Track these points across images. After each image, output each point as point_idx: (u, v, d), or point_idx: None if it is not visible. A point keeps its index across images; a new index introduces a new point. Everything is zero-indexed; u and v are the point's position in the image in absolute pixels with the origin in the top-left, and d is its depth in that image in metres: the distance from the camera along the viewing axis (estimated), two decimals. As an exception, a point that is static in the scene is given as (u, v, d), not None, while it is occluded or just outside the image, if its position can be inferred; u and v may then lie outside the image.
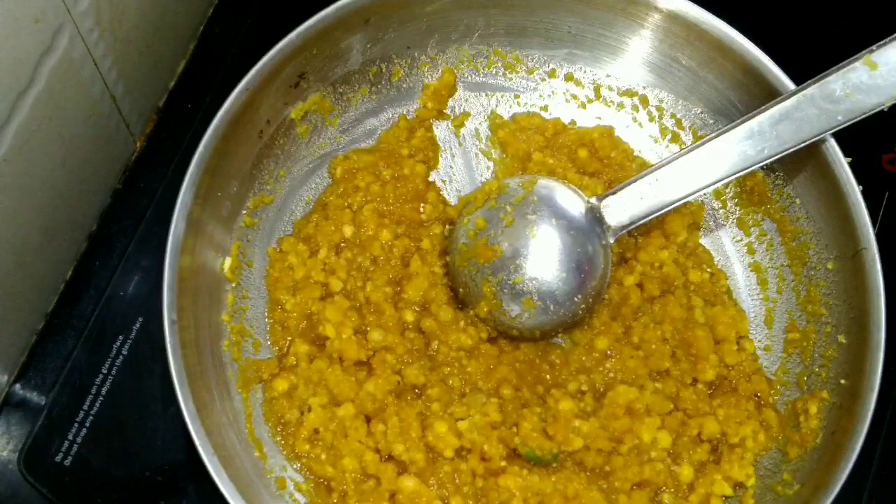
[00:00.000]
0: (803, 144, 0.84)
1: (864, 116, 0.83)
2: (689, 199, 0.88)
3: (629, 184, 0.89)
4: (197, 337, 0.84)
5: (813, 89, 0.84)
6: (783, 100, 0.85)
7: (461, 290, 0.91)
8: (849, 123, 0.83)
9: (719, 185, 0.87)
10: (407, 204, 0.94)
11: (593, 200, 0.90)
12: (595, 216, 0.89)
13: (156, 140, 1.04)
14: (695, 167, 0.87)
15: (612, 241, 0.90)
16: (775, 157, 0.85)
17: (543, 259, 0.87)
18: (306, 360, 0.88)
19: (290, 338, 0.91)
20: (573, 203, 0.90)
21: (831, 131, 0.84)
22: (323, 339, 0.89)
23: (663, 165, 0.88)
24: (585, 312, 0.90)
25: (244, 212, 0.92)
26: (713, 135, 0.87)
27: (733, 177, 0.87)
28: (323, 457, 0.86)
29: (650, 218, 0.89)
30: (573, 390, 0.89)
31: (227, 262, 0.90)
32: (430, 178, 0.98)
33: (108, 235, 1.00)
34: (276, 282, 0.92)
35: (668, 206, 0.88)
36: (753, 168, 0.86)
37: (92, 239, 1.00)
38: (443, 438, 0.85)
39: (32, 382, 0.94)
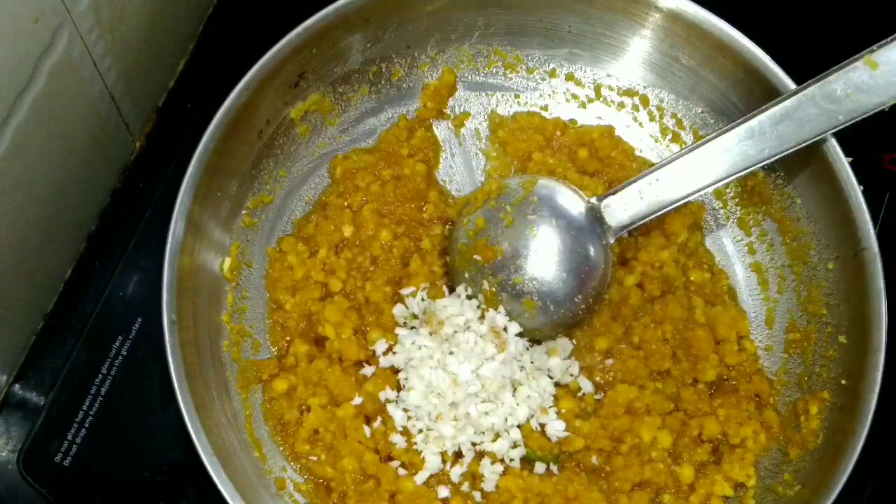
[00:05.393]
0: (804, 144, 0.84)
1: (864, 116, 0.83)
2: (690, 198, 0.88)
3: (629, 184, 0.89)
4: (196, 337, 0.84)
5: (814, 89, 0.83)
6: (784, 99, 0.85)
7: (461, 290, 0.91)
8: (850, 123, 0.83)
9: (720, 184, 0.87)
10: (407, 204, 0.94)
11: (593, 200, 0.90)
12: (595, 216, 0.89)
13: (155, 140, 1.04)
14: (695, 167, 0.87)
15: (612, 241, 0.90)
16: (776, 157, 0.85)
17: (544, 259, 0.87)
18: (306, 360, 0.88)
19: (289, 338, 0.91)
20: (573, 203, 0.90)
21: (832, 131, 0.84)
22: (322, 339, 0.89)
23: (664, 165, 0.88)
24: (586, 312, 0.89)
25: (244, 212, 0.92)
26: (714, 134, 0.87)
27: (734, 176, 0.86)
28: (322, 457, 0.86)
29: (651, 218, 0.89)
30: (574, 389, 0.89)
31: (227, 262, 0.90)
32: (432, 177, 0.98)
33: (108, 235, 1.00)
34: (275, 282, 0.92)
35: (668, 205, 0.88)
36: (754, 168, 0.86)
37: (91, 239, 1.00)
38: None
39: (32, 383, 0.94)
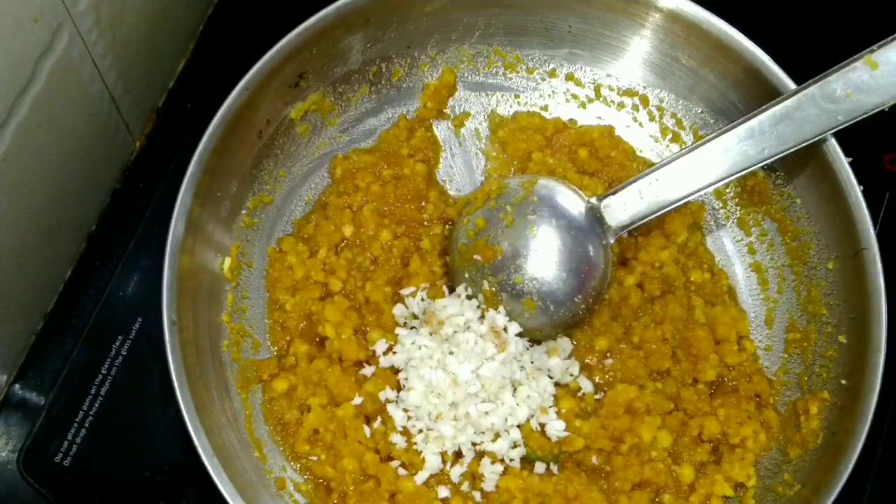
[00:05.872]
0: (804, 144, 0.84)
1: (864, 116, 0.83)
2: (690, 198, 0.88)
3: (629, 184, 0.89)
4: (196, 337, 0.84)
5: (813, 89, 0.83)
6: (784, 99, 0.85)
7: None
8: (849, 123, 0.83)
9: (720, 184, 0.87)
10: (407, 204, 0.94)
11: (593, 200, 0.90)
12: (595, 216, 0.89)
13: (155, 140, 1.04)
14: (695, 167, 0.87)
15: (612, 241, 0.90)
16: (776, 157, 0.85)
17: (543, 259, 0.87)
18: (306, 360, 0.88)
19: (289, 338, 0.91)
20: (573, 203, 0.90)
21: (832, 131, 0.84)
22: (323, 339, 0.89)
23: (664, 165, 0.88)
24: (586, 312, 0.89)
25: (244, 212, 0.92)
26: (714, 134, 0.87)
27: (734, 177, 0.87)
28: (323, 457, 0.86)
29: (651, 218, 0.89)
30: (574, 389, 0.89)
31: (227, 262, 0.90)
32: (432, 177, 0.98)
33: (108, 235, 1.00)
34: (275, 282, 0.92)
35: (668, 205, 0.88)
36: (754, 168, 0.86)
37: (91, 239, 1.00)
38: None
39: (32, 383, 0.94)
